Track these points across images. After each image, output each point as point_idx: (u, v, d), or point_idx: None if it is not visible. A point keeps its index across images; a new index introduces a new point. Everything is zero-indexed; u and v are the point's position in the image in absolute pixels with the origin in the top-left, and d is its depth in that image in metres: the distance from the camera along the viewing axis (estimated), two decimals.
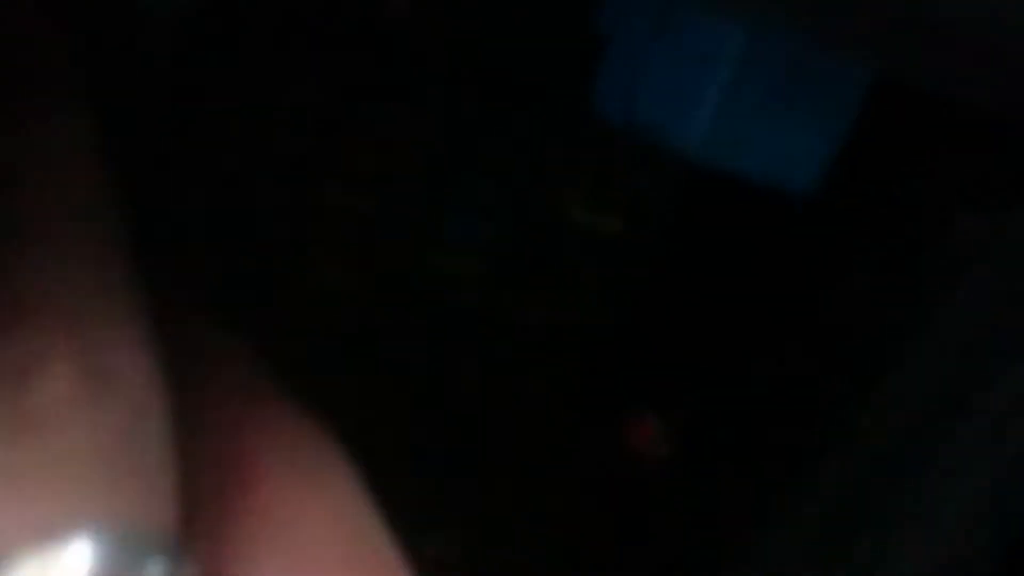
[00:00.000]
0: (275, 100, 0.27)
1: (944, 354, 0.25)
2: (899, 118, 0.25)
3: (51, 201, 0.14)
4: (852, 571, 0.26)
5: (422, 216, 0.30)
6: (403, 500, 0.19)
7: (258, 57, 0.26)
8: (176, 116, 0.26)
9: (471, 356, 0.32)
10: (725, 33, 0.23)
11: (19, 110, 0.14)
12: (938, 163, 0.25)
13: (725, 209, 0.32)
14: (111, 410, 0.13)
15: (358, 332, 0.31)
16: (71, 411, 0.13)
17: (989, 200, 0.26)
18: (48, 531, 0.13)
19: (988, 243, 0.26)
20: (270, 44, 0.26)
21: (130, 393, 0.13)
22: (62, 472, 0.13)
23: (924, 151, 0.26)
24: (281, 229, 0.29)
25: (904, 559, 0.25)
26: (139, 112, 0.25)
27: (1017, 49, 0.20)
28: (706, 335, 0.31)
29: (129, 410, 0.13)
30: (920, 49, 0.21)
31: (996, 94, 0.21)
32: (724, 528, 0.29)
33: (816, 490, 0.27)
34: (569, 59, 0.29)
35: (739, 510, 0.29)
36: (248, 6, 0.25)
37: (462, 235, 0.31)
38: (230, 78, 0.26)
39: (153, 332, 0.14)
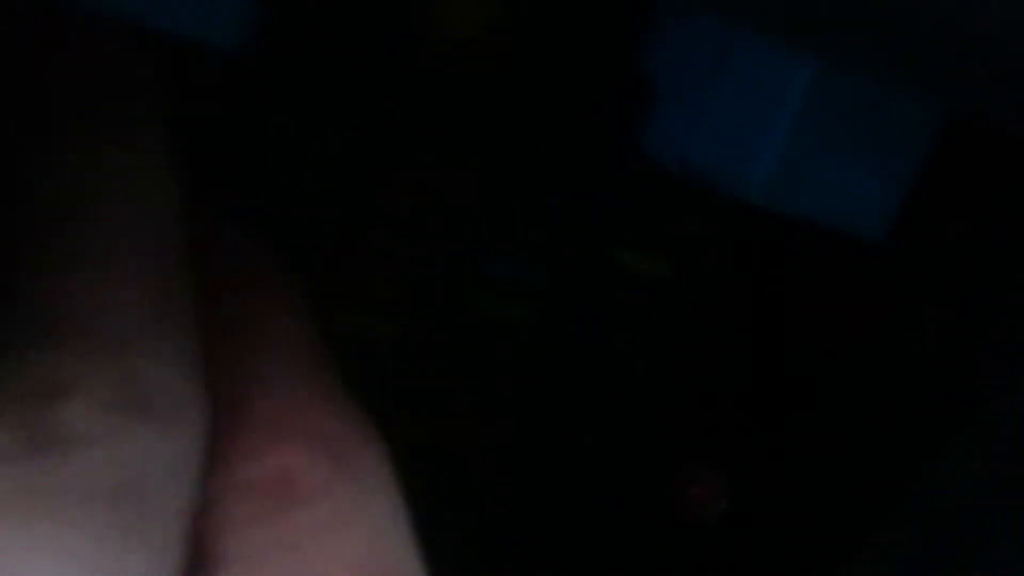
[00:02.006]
0: (317, 142, 0.26)
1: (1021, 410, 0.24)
2: (972, 160, 0.24)
3: (114, 226, 0.14)
4: None
5: (467, 261, 0.29)
6: (444, 551, 0.18)
7: (303, 99, 0.25)
8: (219, 157, 0.26)
9: (517, 405, 0.31)
10: (789, 73, 0.22)
11: (96, 130, 0.14)
12: (1011, 208, 0.24)
13: (778, 252, 0.31)
14: (130, 450, 0.12)
15: (400, 379, 0.30)
16: (86, 445, 0.12)
17: None
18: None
19: None
20: (315, 88, 0.25)
21: (158, 432, 0.12)
22: (56, 512, 0.12)
23: (997, 195, 0.25)
24: (322, 273, 0.28)
25: None
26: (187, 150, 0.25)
27: None
28: (763, 383, 0.30)
29: (150, 452, 0.12)
30: (994, 84, 0.20)
31: None
32: None
33: (889, 548, 0.26)
34: (616, 101, 0.28)
35: (806, 567, 0.27)
36: (300, 45, 0.25)
37: (507, 280, 0.30)
38: (271, 119, 0.26)
39: (202, 357, 0.13)
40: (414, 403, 0.30)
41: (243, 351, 0.15)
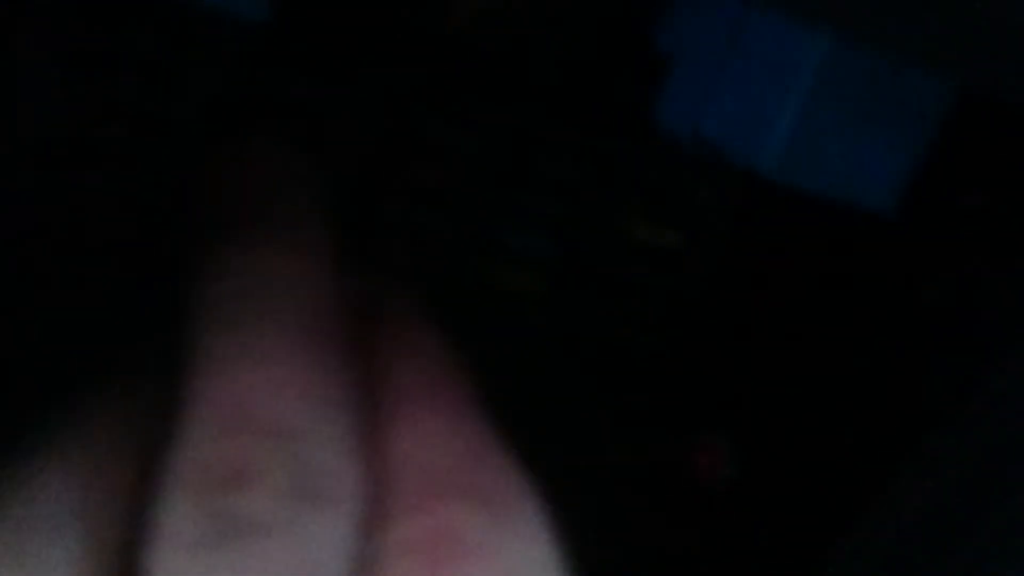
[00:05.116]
0: (335, 112, 0.27)
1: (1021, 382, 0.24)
2: (979, 135, 0.24)
3: (278, 323, 0.15)
4: None
5: (485, 231, 0.30)
6: None
7: (325, 71, 0.26)
8: (240, 125, 0.26)
9: (533, 372, 0.32)
10: (801, 50, 0.23)
11: (263, 234, 0.16)
12: (1001, 168, 0.25)
13: (786, 223, 0.31)
14: (306, 536, 0.13)
15: None
16: (266, 533, 0.13)
17: None
18: None
19: None
20: (338, 60, 0.26)
21: (326, 516, 0.14)
22: None
23: (1003, 171, 0.25)
24: (342, 242, 0.29)
25: None
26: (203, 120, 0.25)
27: None
28: (770, 351, 0.31)
29: (320, 537, 0.14)
30: (1002, 61, 0.20)
31: None
32: (792, 550, 0.29)
33: (891, 511, 0.26)
34: (632, 75, 0.29)
35: (808, 531, 0.28)
36: (322, 15, 0.25)
37: (525, 250, 0.30)
38: (295, 89, 0.26)
39: (357, 430, 0.15)
40: None
41: (404, 412, 0.16)
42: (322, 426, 0.14)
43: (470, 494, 0.15)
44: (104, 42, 0.21)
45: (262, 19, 0.19)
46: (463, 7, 0.28)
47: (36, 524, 0.14)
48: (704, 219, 0.31)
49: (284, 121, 0.26)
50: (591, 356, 0.31)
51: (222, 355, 0.15)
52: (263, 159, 0.17)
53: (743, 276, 0.32)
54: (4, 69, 0.20)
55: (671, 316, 0.32)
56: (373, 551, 0.14)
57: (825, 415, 0.29)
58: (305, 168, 0.17)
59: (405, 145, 0.27)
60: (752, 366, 0.31)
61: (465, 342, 0.31)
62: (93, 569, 0.14)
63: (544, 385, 0.31)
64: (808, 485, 0.29)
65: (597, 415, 0.32)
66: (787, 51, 0.23)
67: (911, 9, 0.19)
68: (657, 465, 0.31)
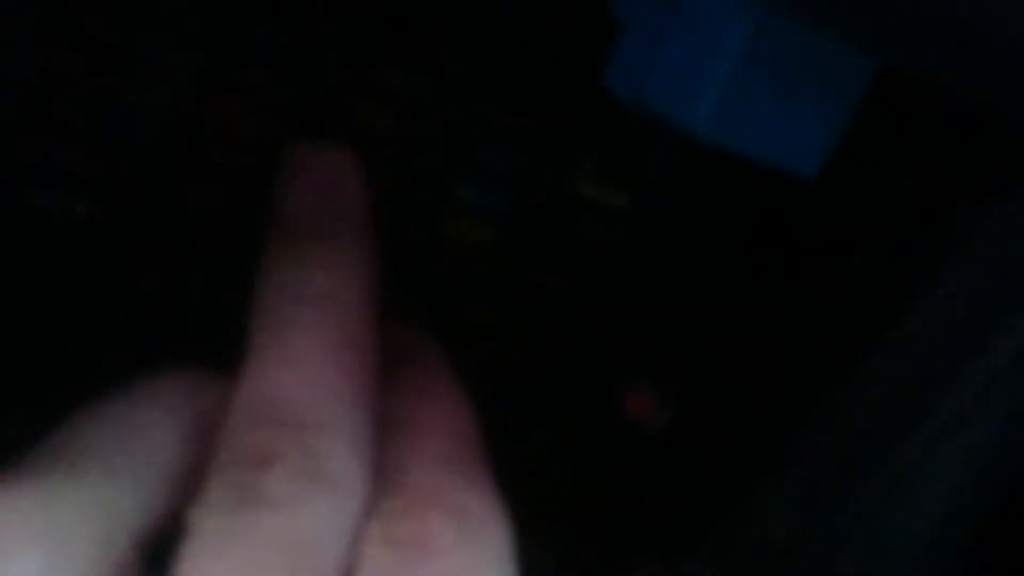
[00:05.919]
0: (293, 64, 0.28)
1: (932, 332, 0.26)
2: (903, 105, 0.26)
3: (317, 333, 0.18)
4: (841, 532, 0.27)
5: (436, 183, 0.31)
6: None
7: (276, 21, 0.27)
8: (198, 78, 0.27)
9: (474, 321, 0.33)
10: (733, 19, 0.24)
11: (314, 247, 0.20)
12: (938, 150, 0.26)
13: (729, 188, 0.32)
14: (309, 512, 0.16)
15: None
16: (278, 504, 0.16)
17: (984, 187, 0.27)
18: None
19: (983, 227, 0.27)
20: (292, 5, 0.26)
21: (328, 497, 0.16)
22: (242, 553, 0.16)
23: (925, 138, 0.26)
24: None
25: (895, 518, 0.26)
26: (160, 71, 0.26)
27: (1018, 43, 0.20)
28: (706, 309, 0.32)
29: (321, 514, 0.16)
30: (925, 40, 0.21)
31: (998, 88, 0.22)
32: (715, 494, 0.30)
33: (809, 455, 0.28)
34: (584, 37, 0.30)
35: (730, 476, 0.30)
36: None
37: (475, 203, 0.31)
38: (250, 42, 0.27)
39: (374, 439, 0.17)
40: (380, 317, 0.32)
41: (415, 435, 0.19)
42: (340, 424, 0.18)
43: (452, 509, 0.18)
44: None
45: None
46: None
47: (122, 447, 0.17)
48: (653, 181, 0.32)
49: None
50: (537, 309, 0.32)
51: (268, 356, 0.18)
52: (324, 171, 0.20)
53: (688, 236, 0.33)
54: None
55: (616, 272, 0.33)
56: (364, 540, 0.17)
57: (759, 362, 0.31)
58: (358, 179, 0.21)
59: (357, 92, 0.28)
60: (689, 320, 0.32)
61: (412, 291, 0.32)
62: (152, 500, 0.17)
63: (489, 336, 0.32)
64: (737, 434, 0.31)
65: (532, 365, 0.33)
66: (720, 19, 0.24)
67: None
68: (587, 412, 0.33)
